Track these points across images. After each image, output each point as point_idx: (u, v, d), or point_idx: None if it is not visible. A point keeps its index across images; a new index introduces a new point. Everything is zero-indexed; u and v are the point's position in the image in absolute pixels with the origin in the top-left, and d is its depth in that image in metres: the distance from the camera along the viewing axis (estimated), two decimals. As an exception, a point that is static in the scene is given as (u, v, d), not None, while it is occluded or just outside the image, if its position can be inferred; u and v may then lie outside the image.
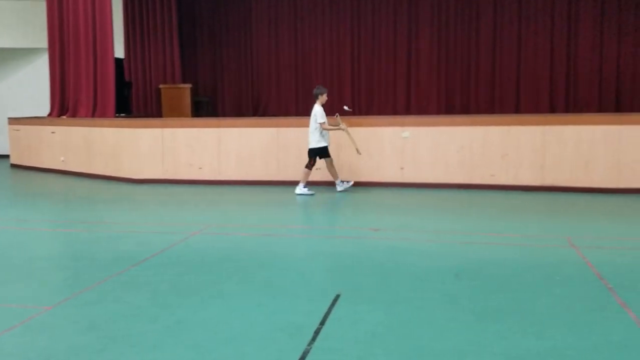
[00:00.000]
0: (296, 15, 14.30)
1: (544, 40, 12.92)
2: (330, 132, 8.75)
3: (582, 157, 8.45)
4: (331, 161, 8.78)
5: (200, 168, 9.85)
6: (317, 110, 8.57)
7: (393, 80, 13.92)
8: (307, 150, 8.87)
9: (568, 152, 8.50)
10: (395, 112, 13.50)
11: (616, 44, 12.67)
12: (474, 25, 13.30)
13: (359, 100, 14.01)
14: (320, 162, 8.84)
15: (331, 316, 3.83)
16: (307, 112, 14.02)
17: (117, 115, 11.89)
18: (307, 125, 9.63)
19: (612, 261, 5.05)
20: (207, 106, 14.32)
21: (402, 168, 9.18)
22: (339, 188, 8.85)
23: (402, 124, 9.27)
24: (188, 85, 12.95)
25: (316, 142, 8.59)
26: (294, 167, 9.45)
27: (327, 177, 9.15)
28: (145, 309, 4.04)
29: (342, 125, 8.66)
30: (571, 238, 5.80)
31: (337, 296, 4.19)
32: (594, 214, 7.21)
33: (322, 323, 3.70)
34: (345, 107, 9.18)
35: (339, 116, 8.82)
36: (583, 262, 5.00)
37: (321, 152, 8.67)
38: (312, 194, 8.64)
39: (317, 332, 3.56)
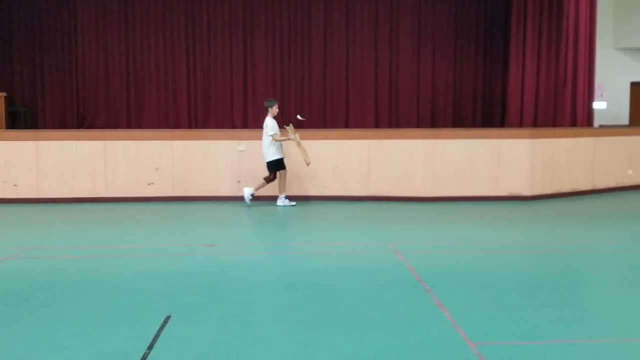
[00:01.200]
0: (127, 24, 13.66)
1: (369, 61, 13.86)
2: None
3: (403, 169, 9.16)
4: (285, 174, 8.65)
5: (16, 185, 8.93)
6: (269, 122, 8.45)
7: (230, 94, 13.91)
8: (139, 164, 8.54)
9: (390, 164, 9.16)
10: (232, 125, 13.49)
11: (430, 65, 14.03)
12: (306, 43, 13.83)
13: (195, 113, 13.76)
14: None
15: (160, 339, 3.67)
16: (139, 125, 13.50)
17: None
18: (137, 138, 9.28)
19: (429, 264, 5.51)
20: (25, 117, 13.05)
21: (238, 181, 9.17)
22: (280, 202, 8.68)
23: (239, 138, 9.29)
24: (2, 94, 11.69)
25: (272, 155, 8.44)
26: (123, 182, 8.98)
27: (163, 192, 8.87)
28: (-59, 349, 3.53)
29: (292, 136, 8.41)
30: (393, 244, 6.24)
31: (168, 317, 4.03)
32: (413, 220, 7.83)
33: (150, 348, 3.53)
34: (299, 117, 9.09)
35: (291, 126, 8.59)
36: (404, 266, 5.40)
37: (278, 165, 8.51)
38: (249, 201, 8.57)
39: (144, 358, 3.39)
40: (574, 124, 11.21)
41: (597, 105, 12.45)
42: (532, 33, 12.05)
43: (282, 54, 13.86)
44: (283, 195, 8.68)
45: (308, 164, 8.60)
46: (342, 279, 5.03)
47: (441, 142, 9.17)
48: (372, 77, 13.95)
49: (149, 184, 8.99)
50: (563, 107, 11.28)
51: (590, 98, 11.37)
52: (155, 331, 3.78)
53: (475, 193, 9.21)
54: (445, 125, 13.91)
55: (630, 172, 10.45)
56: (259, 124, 13.53)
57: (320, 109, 13.99)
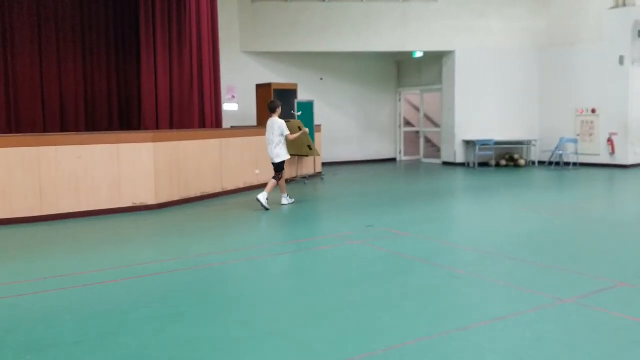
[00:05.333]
0: None
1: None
2: None
3: (-3, 185, 7.44)
4: (284, 174, 8.78)
5: None
6: (282, 123, 8.51)
7: None
8: None
9: (-20, 181, 7.34)
10: None
11: (56, 68, 12.49)
12: None
13: None
14: None
15: None
16: None
17: None
18: None
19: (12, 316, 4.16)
20: None
21: None
22: (285, 201, 8.88)
23: None
24: None
25: (285, 155, 8.57)
26: None
27: None
28: None
29: (304, 128, 9.19)
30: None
31: None
32: (6, 252, 6.26)
33: None
34: (294, 112, 9.94)
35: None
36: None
37: (283, 165, 8.62)
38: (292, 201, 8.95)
39: None
40: (203, 125, 11.03)
41: (229, 107, 12.64)
42: (161, 37, 11.55)
43: None
44: (285, 194, 8.87)
45: (318, 155, 9.93)
46: None
47: (45, 149, 7.74)
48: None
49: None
50: (192, 109, 11.01)
51: (218, 100, 11.34)
52: None
53: (93, 207, 8.08)
54: (77, 129, 12.50)
55: (257, 172, 10.71)
56: None
57: None
